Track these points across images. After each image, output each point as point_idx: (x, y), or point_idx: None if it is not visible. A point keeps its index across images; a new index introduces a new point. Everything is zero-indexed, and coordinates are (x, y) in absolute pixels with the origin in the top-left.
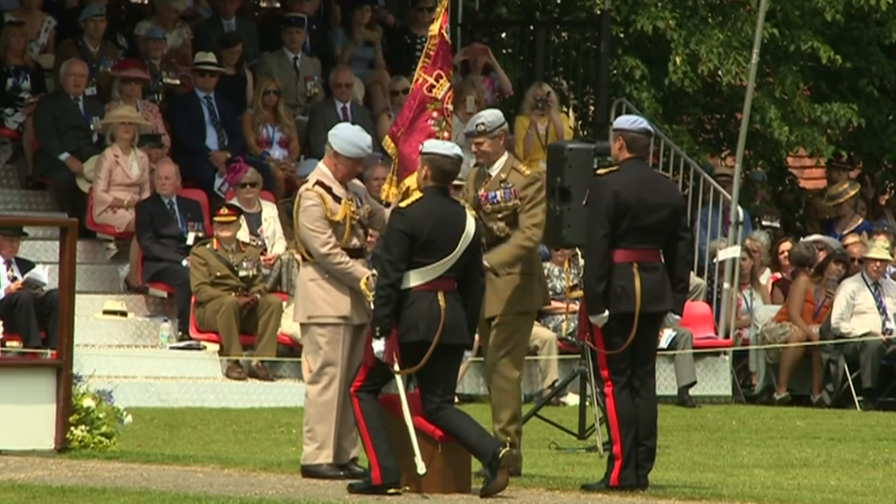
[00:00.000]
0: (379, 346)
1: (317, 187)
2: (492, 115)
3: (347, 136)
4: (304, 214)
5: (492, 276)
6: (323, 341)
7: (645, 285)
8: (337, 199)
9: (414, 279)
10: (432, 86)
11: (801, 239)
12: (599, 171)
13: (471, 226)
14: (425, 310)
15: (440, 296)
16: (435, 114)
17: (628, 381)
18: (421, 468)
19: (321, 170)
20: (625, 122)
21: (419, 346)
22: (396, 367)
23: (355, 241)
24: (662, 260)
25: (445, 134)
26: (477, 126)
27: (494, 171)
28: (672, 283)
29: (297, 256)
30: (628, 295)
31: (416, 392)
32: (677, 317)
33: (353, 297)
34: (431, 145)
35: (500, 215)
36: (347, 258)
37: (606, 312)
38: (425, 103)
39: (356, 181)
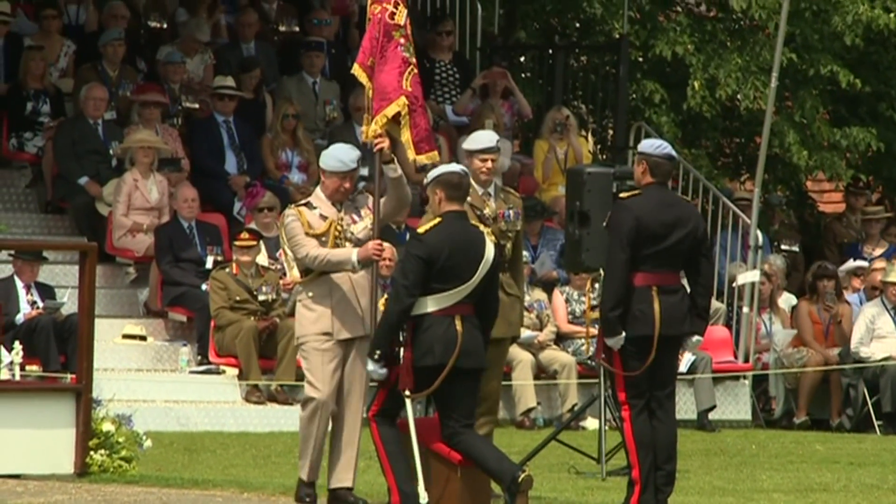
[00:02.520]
0: (375, 368)
1: (300, 207)
2: (495, 135)
3: (331, 152)
4: (286, 232)
5: (501, 295)
6: (309, 361)
7: (664, 308)
8: (323, 218)
9: (431, 304)
10: (393, 13)
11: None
12: (621, 195)
13: (490, 251)
14: (441, 334)
15: (457, 320)
16: (402, 40)
17: (646, 404)
18: (423, 498)
19: (317, 192)
20: (648, 146)
21: (436, 370)
22: (407, 392)
23: None
24: (683, 283)
25: (414, 60)
26: (497, 142)
27: (492, 191)
28: (694, 307)
29: (296, 275)
30: (647, 318)
31: (435, 417)
32: (698, 338)
33: (337, 312)
34: (433, 172)
35: (510, 235)
36: (327, 249)
37: (623, 335)
38: (391, 31)
39: (363, 196)
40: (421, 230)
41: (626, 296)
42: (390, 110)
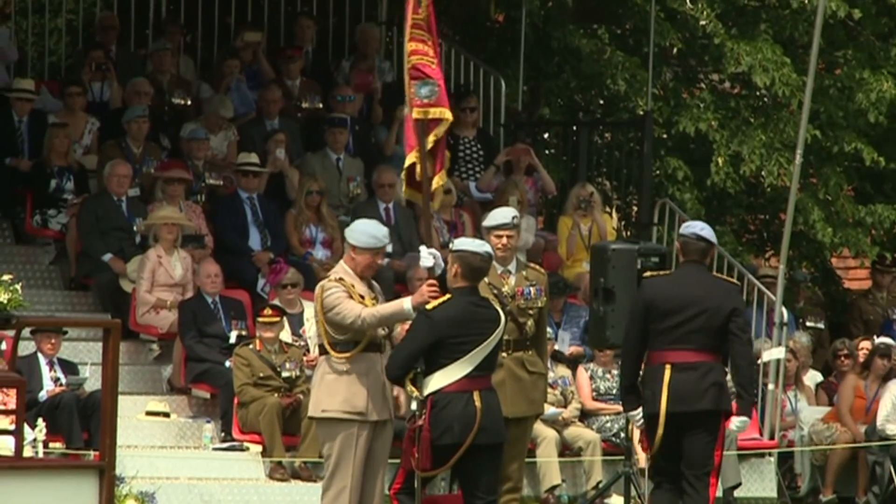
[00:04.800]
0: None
1: (340, 281)
2: (513, 211)
3: (363, 228)
4: (327, 303)
5: (522, 374)
6: (336, 441)
7: (673, 385)
8: (360, 297)
9: (444, 378)
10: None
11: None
12: (645, 275)
13: (501, 319)
14: (460, 412)
15: (476, 395)
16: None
17: (669, 481)
18: None
19: (342, 267)
20: (683, 226)
21: (455, 448)
22: (419, 470)
23: (379, 335)
24: (711, 359)
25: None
26: (513, 219)
27: (513, 267)
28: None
29: (315, 353)
30: (655, 397)
31: (458, 493)
32: (741, 420)
33: (372, 393)
34: (461, 243)
35: (531, 312)
36: (376, 306)
37: (639, 411)
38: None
39: (374, 283)
40: (430, 306)
41: (644, 373)
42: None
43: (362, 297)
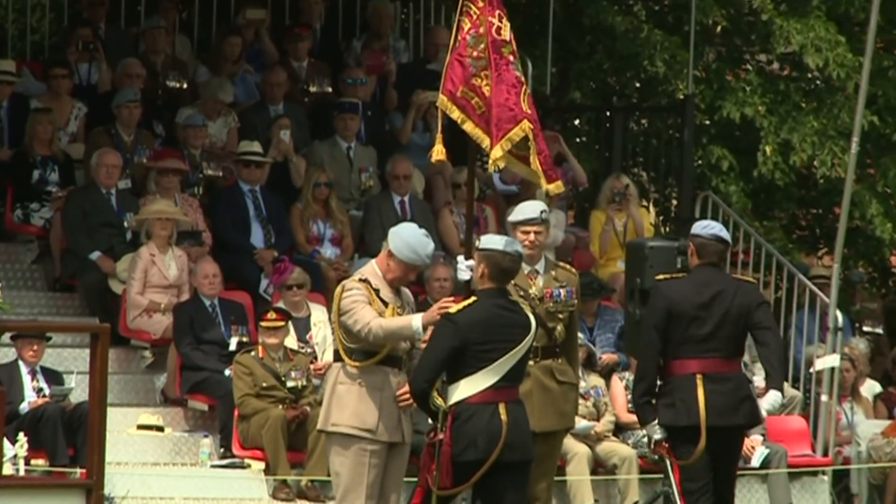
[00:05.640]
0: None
1: (364, 283)
2: (542, 205)
3: (408, 239)
4: (344, 304)
5: (551, 384)
6: (347, 459)
7: (710, 398)
8: (384, 304)
9: (468, 388)
10: (499, 27)
11: None
12: (657, 278)
13: (533, 327)
14: (485, 426)
15: (502, 408)
16: (511, 57)
17: (706, 490)
18: None
19: (372, 268)
20: (697, 226)
21: (478, 465)
22: (438, 489)
23: (400, 348)
24: (738, 368)
25: (523, 78)
26: (541, 213)
27: (541, 266)
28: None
29: (325, 360)
30: (689, 408)
31: None
32: (776, 394)
33: (384, 411)
34: (488, 241)
35: (561, 316)
36: (385, 318)
37: (656, 422)
38: (500, 48)
39: (406, 290)
40: (453, 310)
41: (667, 383)
42: (515, 134)
43: (386, 303)
